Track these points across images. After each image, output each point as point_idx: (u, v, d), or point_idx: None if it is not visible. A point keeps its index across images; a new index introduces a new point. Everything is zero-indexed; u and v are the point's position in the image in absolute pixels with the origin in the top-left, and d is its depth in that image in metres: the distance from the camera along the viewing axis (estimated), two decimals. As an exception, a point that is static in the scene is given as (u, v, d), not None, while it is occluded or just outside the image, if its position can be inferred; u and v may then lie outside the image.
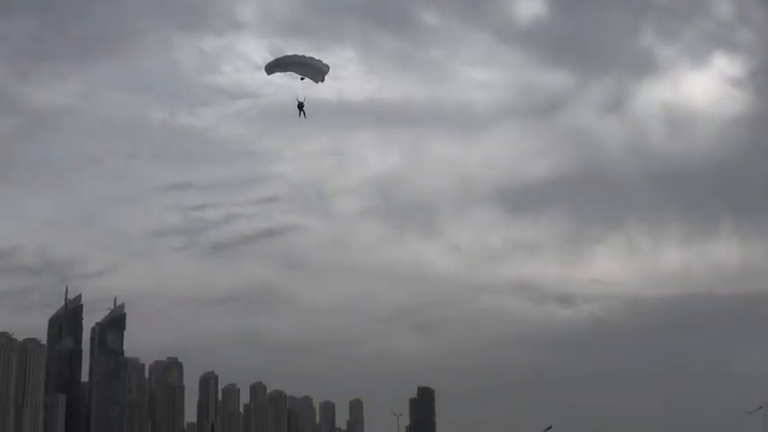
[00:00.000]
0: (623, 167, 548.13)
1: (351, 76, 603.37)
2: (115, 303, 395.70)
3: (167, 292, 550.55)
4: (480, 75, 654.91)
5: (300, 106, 32.83)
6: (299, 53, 34.08)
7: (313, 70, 32.98)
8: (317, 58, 33.88)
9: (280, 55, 35.78)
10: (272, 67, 33.05)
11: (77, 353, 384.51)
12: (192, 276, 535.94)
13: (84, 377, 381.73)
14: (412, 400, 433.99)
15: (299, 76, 34.27)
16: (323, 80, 33.16)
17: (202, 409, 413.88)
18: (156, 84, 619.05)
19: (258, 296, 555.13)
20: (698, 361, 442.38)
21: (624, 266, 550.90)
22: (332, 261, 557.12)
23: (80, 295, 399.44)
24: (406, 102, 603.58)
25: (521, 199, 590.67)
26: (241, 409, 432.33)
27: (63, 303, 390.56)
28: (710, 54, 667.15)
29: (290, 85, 35.16)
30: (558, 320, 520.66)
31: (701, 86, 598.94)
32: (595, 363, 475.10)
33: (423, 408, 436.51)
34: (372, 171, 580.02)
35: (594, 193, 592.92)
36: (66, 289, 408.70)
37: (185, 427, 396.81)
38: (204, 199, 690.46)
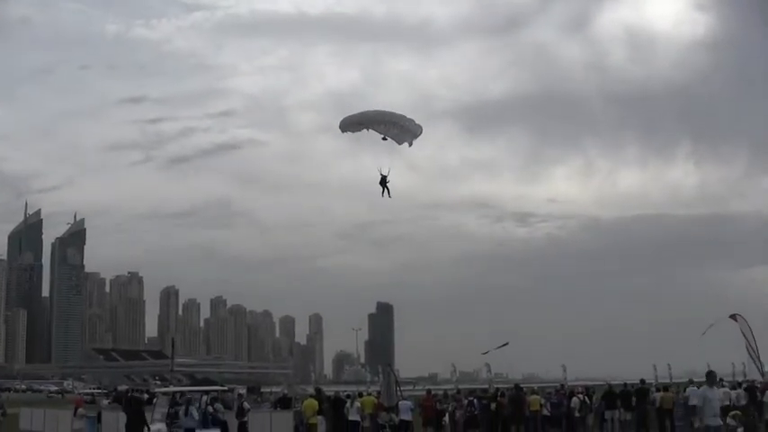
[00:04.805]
0: (583, 88, 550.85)
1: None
2: (75, 218, 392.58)
3: (126, 206, 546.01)
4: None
5: (383, 181, 28.29)
6: (387, 109, 28.93)
7: (399, 130, 27.92)
8: (408, 116, 28.84)
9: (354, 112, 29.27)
10: (349, 125, 28.37)
11: (38, 268, 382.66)
12: (149, 190, 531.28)
13: (45, 292, 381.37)
14: (371, 315, 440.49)
15: (381, 136, 28.49)
16: (410, 144, 28.89)
17: (163, 323, 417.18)
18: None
19: (216, 211, 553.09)
20: (653, 280, 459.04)
21: (581, 187, 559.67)
22: (289, 176, 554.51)
23: (39, 210, 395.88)
24: (364, 16, 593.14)
25: (479, 117, 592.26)
26: (201, 324, 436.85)
27: (22, 218, 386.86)
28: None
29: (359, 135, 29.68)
30: (514, 239, 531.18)
31: (665, 9, 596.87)
32: (551, 281, 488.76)
33: (381, 322, 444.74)
34: (330, 86, 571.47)
35: (553, 114, 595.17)
36: (26, 203, 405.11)
37: (146, 341, 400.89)
38: (160, 112, 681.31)
